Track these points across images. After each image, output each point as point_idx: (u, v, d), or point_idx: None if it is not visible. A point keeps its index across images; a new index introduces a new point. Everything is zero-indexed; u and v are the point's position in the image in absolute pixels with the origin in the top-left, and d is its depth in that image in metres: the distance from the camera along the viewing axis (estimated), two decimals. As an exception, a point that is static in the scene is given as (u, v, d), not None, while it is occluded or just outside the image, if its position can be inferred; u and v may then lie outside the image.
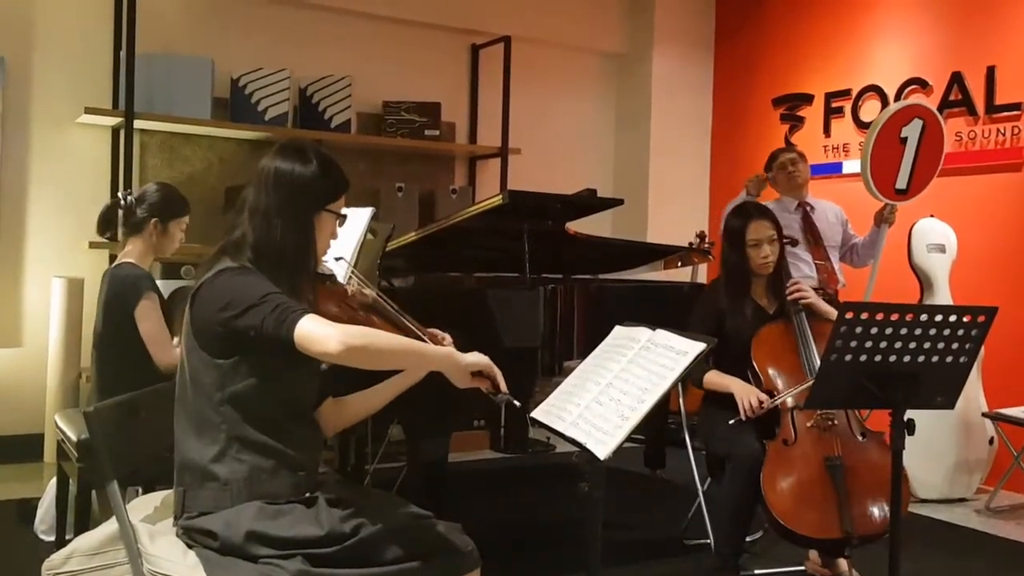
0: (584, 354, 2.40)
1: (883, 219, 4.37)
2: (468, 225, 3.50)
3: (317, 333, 1.77)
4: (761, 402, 3.03)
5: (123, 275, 3.16)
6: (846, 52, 5.65)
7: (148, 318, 3.10)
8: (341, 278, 2.27)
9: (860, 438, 3.05)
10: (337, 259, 2.31)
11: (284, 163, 1.98)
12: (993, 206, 4.86)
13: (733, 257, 3.31)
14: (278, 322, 1.79)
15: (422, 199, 5.50)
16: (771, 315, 3.32)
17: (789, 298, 3.25)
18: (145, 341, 3.08)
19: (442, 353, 1.96)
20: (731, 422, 3.06)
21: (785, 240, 3.39)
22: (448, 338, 2.20)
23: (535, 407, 2.29)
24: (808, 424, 3.04)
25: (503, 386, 1.99)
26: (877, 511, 2.89)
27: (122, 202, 3.26)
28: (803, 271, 4.36)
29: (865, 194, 4.42)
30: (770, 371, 3.15)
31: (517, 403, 2.00)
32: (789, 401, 3.07)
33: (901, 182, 4.25)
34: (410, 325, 2.16)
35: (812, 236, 4.50)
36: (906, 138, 4.20)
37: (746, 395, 3.06)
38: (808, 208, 4.56)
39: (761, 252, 3.25)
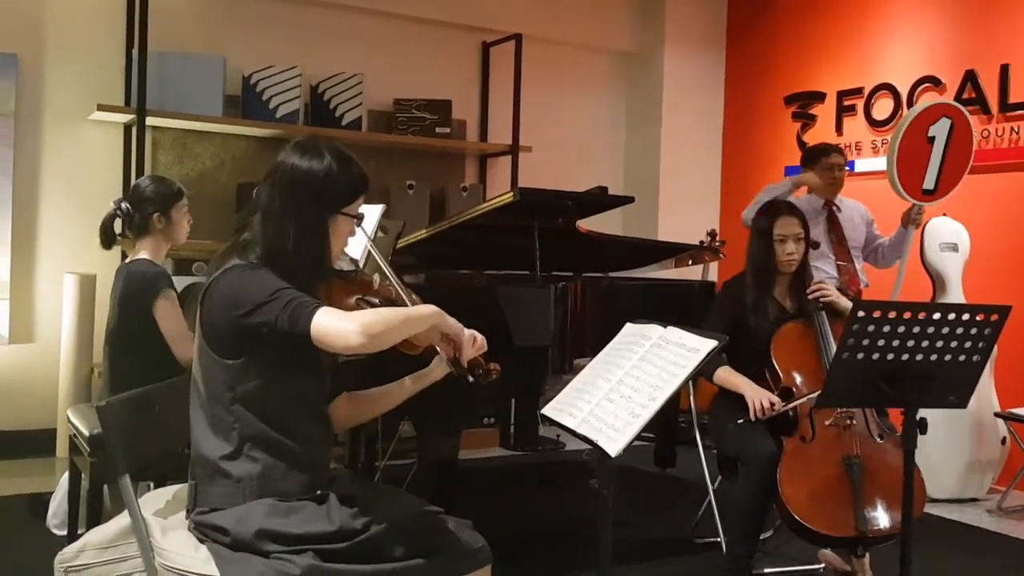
0: (595, 352, 2.39)
1: (910, 220, 4.27)
2: (479, 222, 3.50)
3: (336, 328, 1.73)
4: (773, 405, 3.01)
5: (140, 272, 3.16)
6: (858, 50, 5.63)
7: (168, 315, 3.11)
8: (358, 257, 2.25)
9: (878, 439, 3.04)
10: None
11: (300, 162, 1.91)
12: (1006, 205, 4.83)
13: (759, 252, 3.30)
14: (293, 319, 1.75)
15: (433, 197, 5.50)
16: (791, 315, 3.31)
17: (810, 297, 3.24)
18: (166, 338, 3.09)
19: (432, 311, 1.92)
20: (739, 422, 3.04)
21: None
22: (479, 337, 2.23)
23: (546, 404, 2.29)
24: (827, 423, 3.02)
25: (464, 360, 1.97)
26: (892, 513, 2.88)
27: (119, 211, 3.24)
28: (824, 272, 4.31)
29: (881, 193, 4.40)
30: (790, 369, 3.14)
31: (471, 378, 1.97)
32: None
33: (928, 182, 4.13)
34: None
35: (836, 237, 4.43)
36: (933, 137, 4.09)
37: (758, 397, 3.03)
38: (835, 208, 4.49)
39: (786, 248, 3.25)
